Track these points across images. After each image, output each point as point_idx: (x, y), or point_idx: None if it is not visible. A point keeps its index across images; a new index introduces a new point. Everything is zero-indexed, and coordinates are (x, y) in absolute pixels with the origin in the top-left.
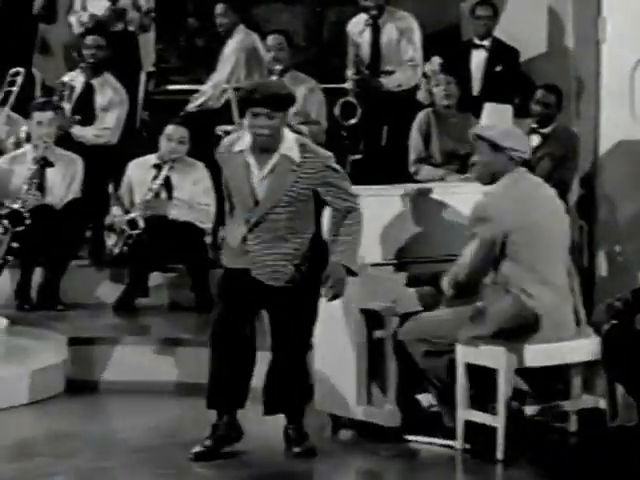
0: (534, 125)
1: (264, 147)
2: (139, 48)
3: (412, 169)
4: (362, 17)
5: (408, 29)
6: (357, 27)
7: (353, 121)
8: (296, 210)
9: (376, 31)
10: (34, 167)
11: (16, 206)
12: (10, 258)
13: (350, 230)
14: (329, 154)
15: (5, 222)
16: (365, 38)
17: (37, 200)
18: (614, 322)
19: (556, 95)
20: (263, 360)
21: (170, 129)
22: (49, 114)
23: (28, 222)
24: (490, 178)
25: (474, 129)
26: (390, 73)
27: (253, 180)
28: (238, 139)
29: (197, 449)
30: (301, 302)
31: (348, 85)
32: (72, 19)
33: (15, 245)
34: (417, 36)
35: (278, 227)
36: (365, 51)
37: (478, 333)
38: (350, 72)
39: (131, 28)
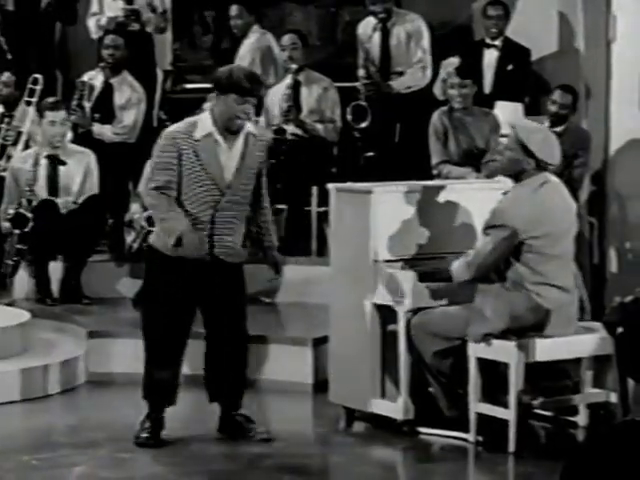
0: (547, 124)
1: (238, 130)
2: (154, 47)
3: (435, 171)
4: (371, 20)
5: (417, 31)
6: (366, 30)
7: (364, 124)
8: (251, 186)
9: (385, 34)
10: (33, 169)
11: (11, 211)
12: (19, 259)
13: (270, 217)
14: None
15: (7, 225)
16: (374, 41)
17: (37, 199)
18: (628, 322)
19: (572, 96)
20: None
21: None
22: (62, 114)
23: (31, 223)
24: (510, 174)
25: (518, 131)
26: (399, 74)
27: (223, 161)
28: (194, 125)
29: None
30: (242, 280)
31: (359, 86)
32: (90, 22)
33: (22, 247)
34: (426, 38)
35: (239, 205)
36: (375, 54)
37: (489, 329)
38: (361, 75)
39: (148, 29)
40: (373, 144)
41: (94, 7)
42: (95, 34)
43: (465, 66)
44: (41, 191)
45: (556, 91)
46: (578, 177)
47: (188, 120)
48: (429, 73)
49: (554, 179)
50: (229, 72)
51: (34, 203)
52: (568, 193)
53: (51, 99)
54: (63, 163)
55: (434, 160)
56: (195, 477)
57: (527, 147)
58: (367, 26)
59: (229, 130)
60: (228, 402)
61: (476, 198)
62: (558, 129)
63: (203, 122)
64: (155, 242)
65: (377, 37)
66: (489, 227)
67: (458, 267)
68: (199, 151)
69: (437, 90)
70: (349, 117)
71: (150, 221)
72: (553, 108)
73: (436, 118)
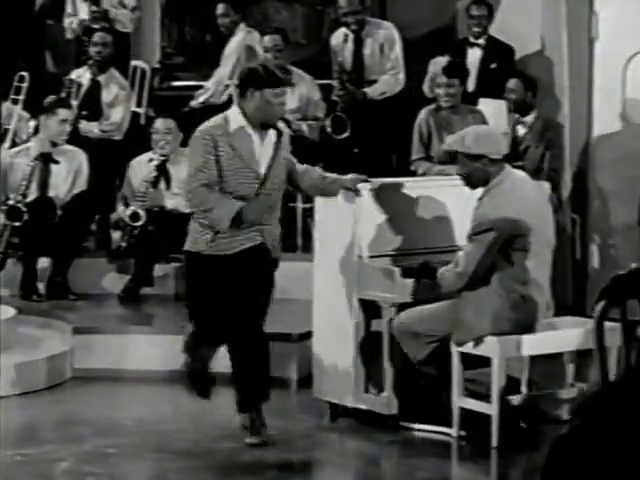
0: (516, 115)
1: (276, 122)
2: (129, 45)
3: (412, 167)
4: (344, 31)
5: (389, 39)
6: (339, 42)
7: (345, 135)
8: (284, 177)
9: (358, 44)
10: (32, 163)
11: (12, 202)
12: (10, 252)
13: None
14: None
15: (1, 217)
16: (348, 51)
17: (33, 195)
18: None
19: (526, 83)
20: None
21: (157, 122)
22: (71, 113)
23: (26, 217)
24: (480, 183)
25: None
26: (373, 82)
27: (257, 154)
28: (226, 120)
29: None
30: (273, 277)
31: (336, 98)
32: (66, 23)
33: (15, 240)
34: (398, 45)
35: (275, 196)
36: (348, 63)
37: (473, 336)
38: (335, 86)
39: (117, 27)
40: (353, 152)
41: (69, 8)
42: (70, 35)
43: (453, 65)
44: (32, 187)
45: (510, 80)
46: (555, 168)
47: (218, 116)
48: (402, 78)
49: (518, 172)
50: (259, 68)
51: (28, 199)
52: (535, 184)
53: (62, 97)
54: (56, 162)
55: (413, 156)
56: (177, 472)
57: (469, 153)
58: (340, 37)
59: (267, 124)
60: None
61: (460, 194)
62: (527, 119)
63: (234, 116)
64: (192, 247)
65: (350, 47)
66: (476, 234)
67: (448, 277)
68: (234, 143)
69: (426, 88)
70: (329, 129)
71: (134, 217)
72: (511, 96)
73: (422, 117)
